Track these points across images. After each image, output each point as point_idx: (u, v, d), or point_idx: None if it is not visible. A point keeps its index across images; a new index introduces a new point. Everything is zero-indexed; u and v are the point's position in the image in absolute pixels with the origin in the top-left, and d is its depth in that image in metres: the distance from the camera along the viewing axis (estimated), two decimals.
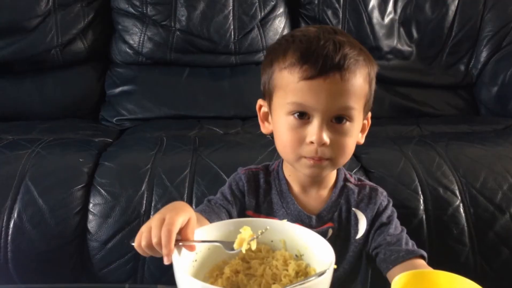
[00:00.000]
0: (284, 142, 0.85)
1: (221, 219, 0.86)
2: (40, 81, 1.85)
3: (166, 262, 0.67)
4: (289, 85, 0.82)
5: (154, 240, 0.68)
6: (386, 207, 0.92)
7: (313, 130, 0.81)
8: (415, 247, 0.88)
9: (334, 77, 0.80)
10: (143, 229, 0.70)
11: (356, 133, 0.86)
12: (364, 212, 0.92)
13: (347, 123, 0.83)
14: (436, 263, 1.28)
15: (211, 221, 0.83)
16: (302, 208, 0.91)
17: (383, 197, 0.93)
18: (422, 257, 0.85)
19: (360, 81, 0.83)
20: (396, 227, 0.91)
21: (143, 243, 0.69)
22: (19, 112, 1.80)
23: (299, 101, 0.81)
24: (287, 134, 0.84)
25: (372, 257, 0.90)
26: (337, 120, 0.82)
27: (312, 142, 0.82)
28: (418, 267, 0.82)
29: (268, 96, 0.89)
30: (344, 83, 0.81)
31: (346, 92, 0.81)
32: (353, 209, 0.92)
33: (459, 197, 1.28)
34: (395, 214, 0.93)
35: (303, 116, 0.82)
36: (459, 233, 1.26)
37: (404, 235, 0.90)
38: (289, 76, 0.82)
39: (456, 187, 1.29)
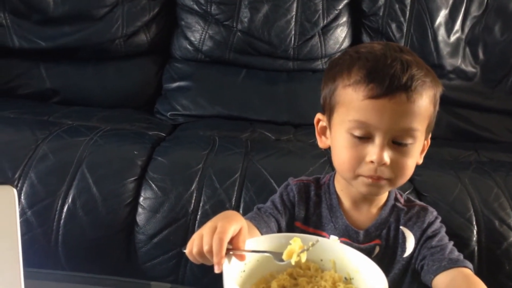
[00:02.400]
0: (342, 159, 0.84)
1: (270, 228, 0.87)
2: (101, 69, 1.90)
3: (216, 270, 0.68)
4: (352, 102, 0.81)
5: (205, 248, 0.68)
6: (432, 222, 0.90)
7: (374, 149, 0.80)
8: (461, 257, 0.85)
9: (400, 98, 0.79)
10: (195, 236, 0.71)
11: (416, 154, 0.85)
12: (411, 230, 0.90)
13: (409, 144, 0.81)
14: None
15: (260, 229, 0.83)
16: (350, 223, 0.90)
17: (432, 216, 0.91)
18: (467, 269, 0.82)
19: (426, 102, 0.81)
20: (441, 239, 0.88)
21: (195, 250, 0.70)
22: (79, 97, 1.85)
23: (362, 120, 0.80)
24: (346, 152, 0.83)
25: (419, 272, 0.88)
26: (399, 141, 0.81)
27: (372, 162, 0.81)
28: (462, 276, 0.79)
29: (328, 111, 0.88)
30: (410, 104, 0.79)
31: (411, 113, 0.80)
32: (401, 227, 0.90)
33: None
34: (443, 229, 0.90)
35: (364, 135, 0.81)
36: None
37: (450, 246, 0.87)
38: (353, 93, 0.81)
39: None
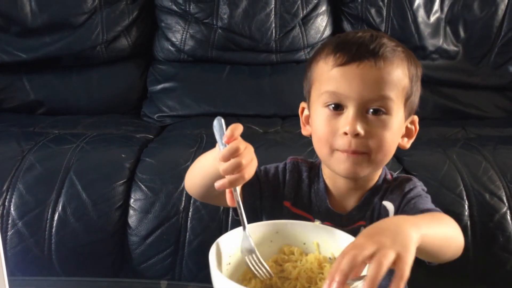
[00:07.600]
0: (319, 135, 0.83)
1: (253, 188, 0.87)
2: (85, 76, 1.90)
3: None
4: (323, 74, 0.82)
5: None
6: (413, 188, 0.86)
7: (347, 120, 0.79)
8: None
9: (368, 63, 0.78)
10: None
11: (395, 128, 0.81)
12: (392, 200, 0.87)
13: (384, 115, 0.80)
14: (480, 270, 1.25)
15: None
16: (332, 207, 0.88)
17: (413, 182, 0.88)
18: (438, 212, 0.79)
19: (397, 72, 0.80)
20: (422, 202, 0.83)
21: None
22: (65, 107, 1.85)
23: (333, 89, 0.80)
24: (322, 126, 0.82)
25: None
26: (373, 112, 0.79)
27: (345, 133, 0.79)
28: (430, 214, 0.76)
29: (308, 93, 0.88)
30: (379, 70, 0.78)
31: (381, 79, 0.78)
32: (382, 202, 0.87)
33: (507, 204, 1.23)
34: (423, 195, 0.85)
35: (338, 108, 0.80)
36: (506, 241, 1.21)
37: (428, 202, 0.83)
38: (324, 65, 0.82)
39: (504, 193, 1.25)
